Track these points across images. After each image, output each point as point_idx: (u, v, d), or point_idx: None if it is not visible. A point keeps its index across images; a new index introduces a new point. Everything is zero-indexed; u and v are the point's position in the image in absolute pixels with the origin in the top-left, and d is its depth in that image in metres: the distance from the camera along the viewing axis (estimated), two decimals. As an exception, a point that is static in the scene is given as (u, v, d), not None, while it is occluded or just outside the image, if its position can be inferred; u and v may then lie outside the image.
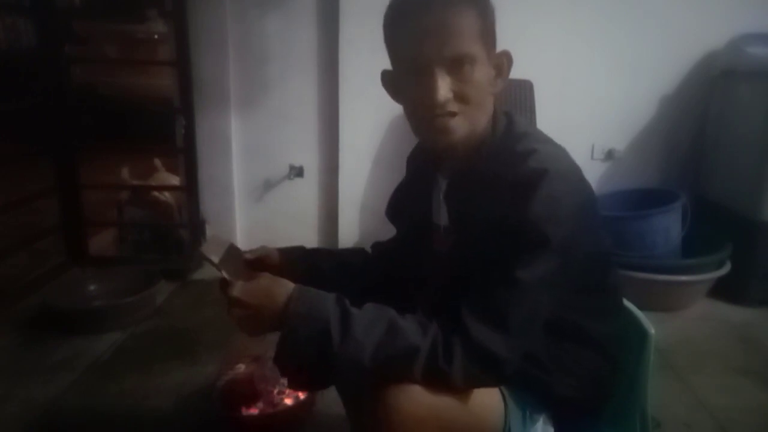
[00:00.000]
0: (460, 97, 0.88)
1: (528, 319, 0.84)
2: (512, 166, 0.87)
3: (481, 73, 0.89)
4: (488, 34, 0.90)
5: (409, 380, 0.81)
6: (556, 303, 0.88)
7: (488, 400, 0.89)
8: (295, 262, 1.13)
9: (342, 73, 2.51)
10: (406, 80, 0.91)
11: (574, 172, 0.89)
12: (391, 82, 0.97)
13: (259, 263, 1.08)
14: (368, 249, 1.28)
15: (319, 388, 0.88)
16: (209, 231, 2.65)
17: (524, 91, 2.43)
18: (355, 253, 1.27)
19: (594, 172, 2.63)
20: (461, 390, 0.84)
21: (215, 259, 0.95)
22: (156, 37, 4.18)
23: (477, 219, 0.91)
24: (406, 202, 1.16)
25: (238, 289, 0.88)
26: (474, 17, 0.87)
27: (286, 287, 0.87)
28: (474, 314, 0.82)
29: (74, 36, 4.15)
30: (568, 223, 0.84)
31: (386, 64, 0.96)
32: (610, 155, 2.69)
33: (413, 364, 0.80)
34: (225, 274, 0.93)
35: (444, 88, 0.86)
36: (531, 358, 0.91)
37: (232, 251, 1.03)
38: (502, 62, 0.94)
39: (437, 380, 0.81)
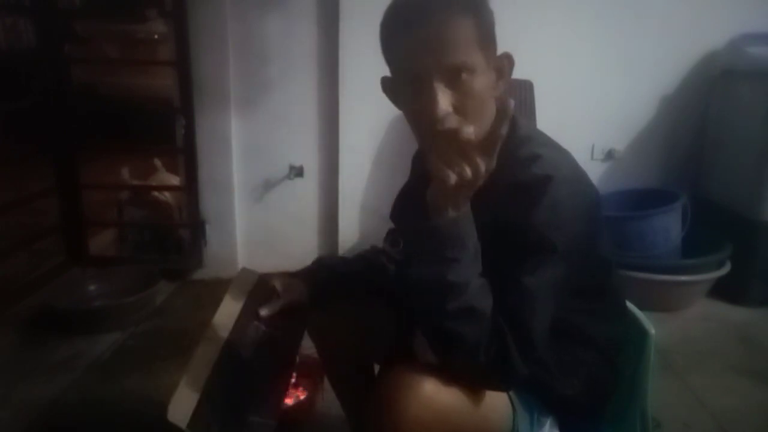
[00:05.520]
0: (460, 111, 0.86)
1: (543, 327, 0.84)
2: (515, 172, 0.87)
3: (481, 81, 0.88)
4: (487, 40, 0.89)
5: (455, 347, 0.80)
6: (559, 306, 0.88)
7: (497, 403, 0.89)
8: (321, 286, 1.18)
9: (342, 74, 2.51)
10: (405, 91, 0.90)
11: (577, 178, 0.89)
12: (391, 89, 0.97)
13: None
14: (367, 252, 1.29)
15: None
16: (209, 231, 2.65)
17: (524, 91, 2.42)
18: (360, 258, 1.29)
19: (594, 172, 2.62)
20: (469, 393, 0.84)
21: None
22: (156, 37, 4.16)
23: (478, 223, 0.91)
24: (412, 203, 1.15)
25: None
26: (471, 26, 0.86)
27: None
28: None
29: (74, 36, 4.14)
30: (572, 228, 0.84)
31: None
32: (610, 155, 2.69)
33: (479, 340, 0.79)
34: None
35: (444, 101, 0.85)
36: (538, 361, 0.91)
37: (259, 286, 1.13)
38: (503, 65, 0.93)
39: (467, 366, 0.81)
